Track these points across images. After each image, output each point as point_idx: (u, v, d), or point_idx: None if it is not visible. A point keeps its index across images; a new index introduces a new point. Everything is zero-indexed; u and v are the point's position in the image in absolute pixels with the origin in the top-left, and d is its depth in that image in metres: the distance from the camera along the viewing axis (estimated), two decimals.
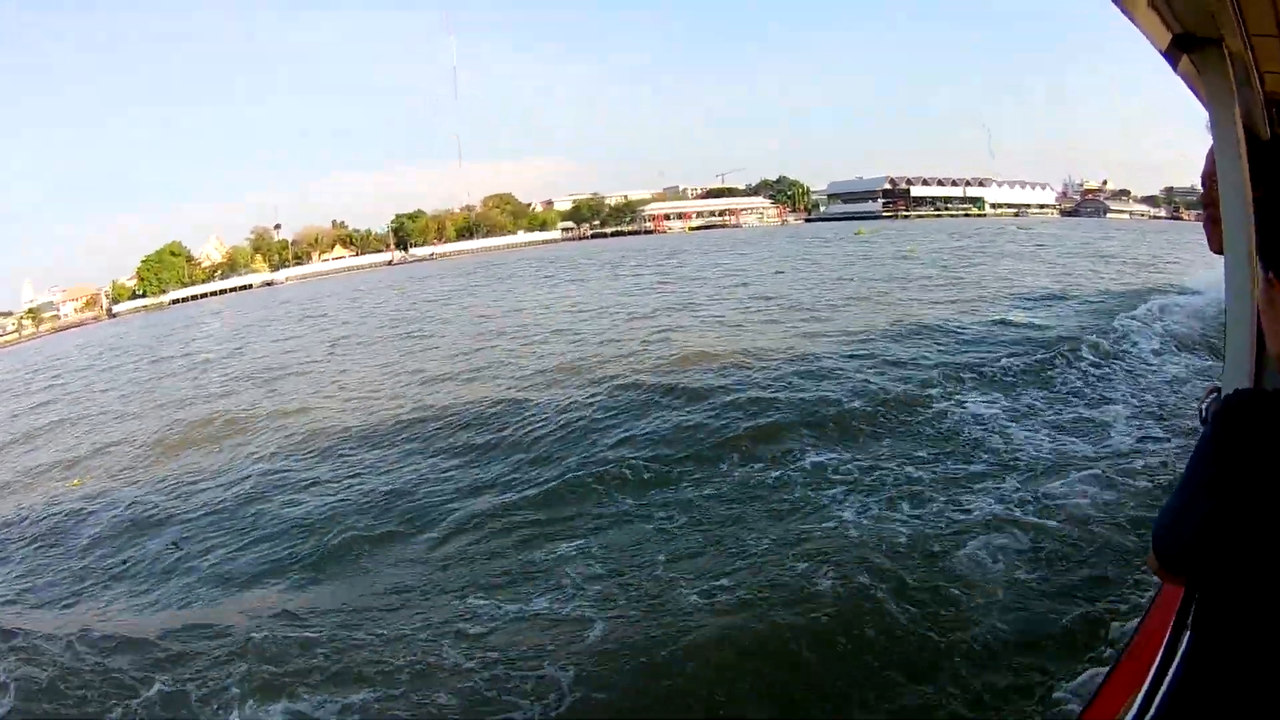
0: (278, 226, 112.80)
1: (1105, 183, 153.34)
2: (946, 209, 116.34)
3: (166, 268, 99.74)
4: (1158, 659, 1.60)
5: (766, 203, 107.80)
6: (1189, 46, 2.03)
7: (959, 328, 13.98)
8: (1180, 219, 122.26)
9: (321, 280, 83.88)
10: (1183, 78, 2.25)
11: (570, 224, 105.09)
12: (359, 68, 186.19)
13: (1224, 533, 0.79)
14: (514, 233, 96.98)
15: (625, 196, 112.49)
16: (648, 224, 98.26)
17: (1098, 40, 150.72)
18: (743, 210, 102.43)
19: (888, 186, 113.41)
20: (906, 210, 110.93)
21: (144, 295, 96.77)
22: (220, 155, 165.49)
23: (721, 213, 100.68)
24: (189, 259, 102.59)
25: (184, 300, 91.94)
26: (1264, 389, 1.11)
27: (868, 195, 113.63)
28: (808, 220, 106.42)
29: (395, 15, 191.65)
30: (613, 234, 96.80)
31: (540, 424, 9.98)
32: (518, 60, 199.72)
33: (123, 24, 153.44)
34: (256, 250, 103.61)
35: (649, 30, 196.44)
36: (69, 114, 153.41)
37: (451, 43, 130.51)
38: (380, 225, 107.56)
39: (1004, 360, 10.99)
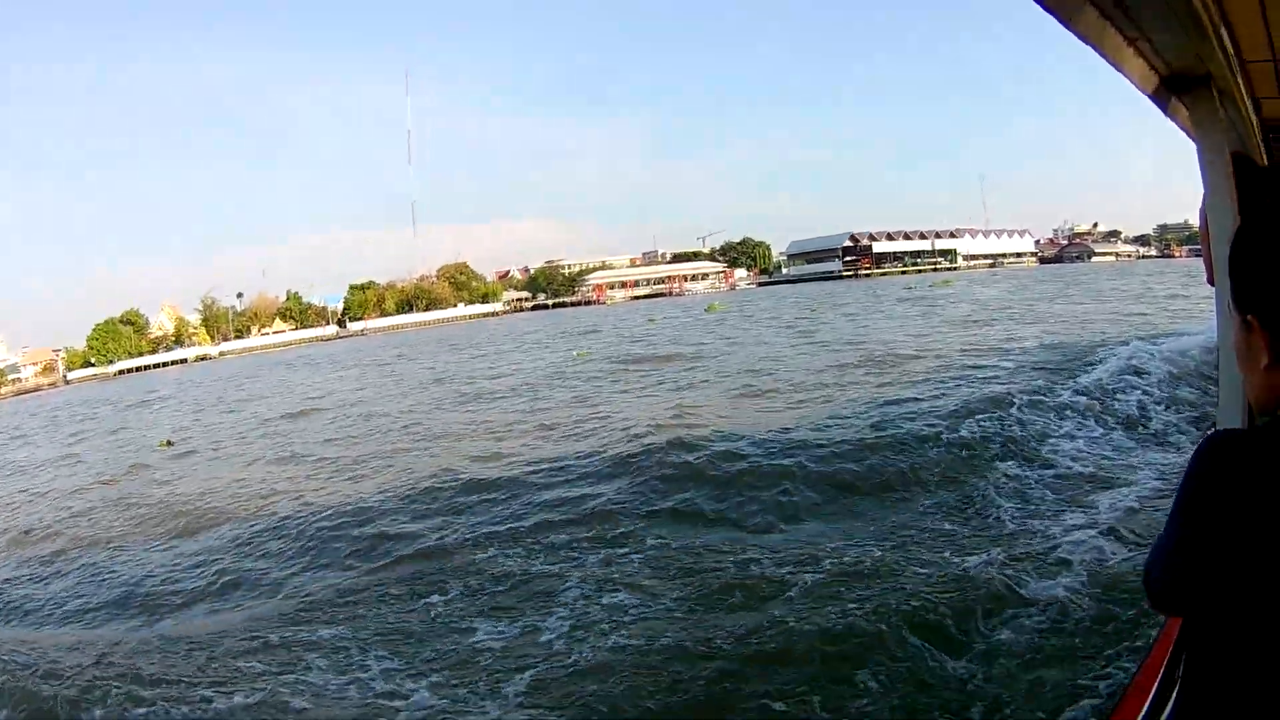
0: (240, 295, 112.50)
1: (1095, 225, 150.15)
2: (914, 265, 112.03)
3: (113, 337, 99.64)
4: (1155, 689, 1.65)
5: (719, 267, 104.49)
6: (1177, 88, 2.08)
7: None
8: (1171, 256, 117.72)
9: (251, 355, 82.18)
10: (1172, 118, 2.29)
11: (525, 294, 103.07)
12: (329, 130, 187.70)
13: (1203, 569, 0.82)
14: (455, 305, 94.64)
15: (604, 261, 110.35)
16: (592, 294, 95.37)
17: (1090, 84, 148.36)
18: (687, 277, 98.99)
19: (848, 244, 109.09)
20: (869, 268, 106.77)
21: (93, 364, 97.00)
22: (187, 219, 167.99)
23: (665, 280, 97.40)
24: (139, 329, 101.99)
25: (129, 371, 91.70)
26: (1241, 430, 1.19)
27: (828, 254, 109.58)
28: (761, 284, 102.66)
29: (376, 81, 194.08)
30: (554, 305, 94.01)
31: None
32: (508, 123, 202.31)
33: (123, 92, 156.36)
34: (205, 321, 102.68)
35: (641, 95, 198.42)
36: (45, 172, 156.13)
37: (407, 103, 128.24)
38: (341, 290, 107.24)
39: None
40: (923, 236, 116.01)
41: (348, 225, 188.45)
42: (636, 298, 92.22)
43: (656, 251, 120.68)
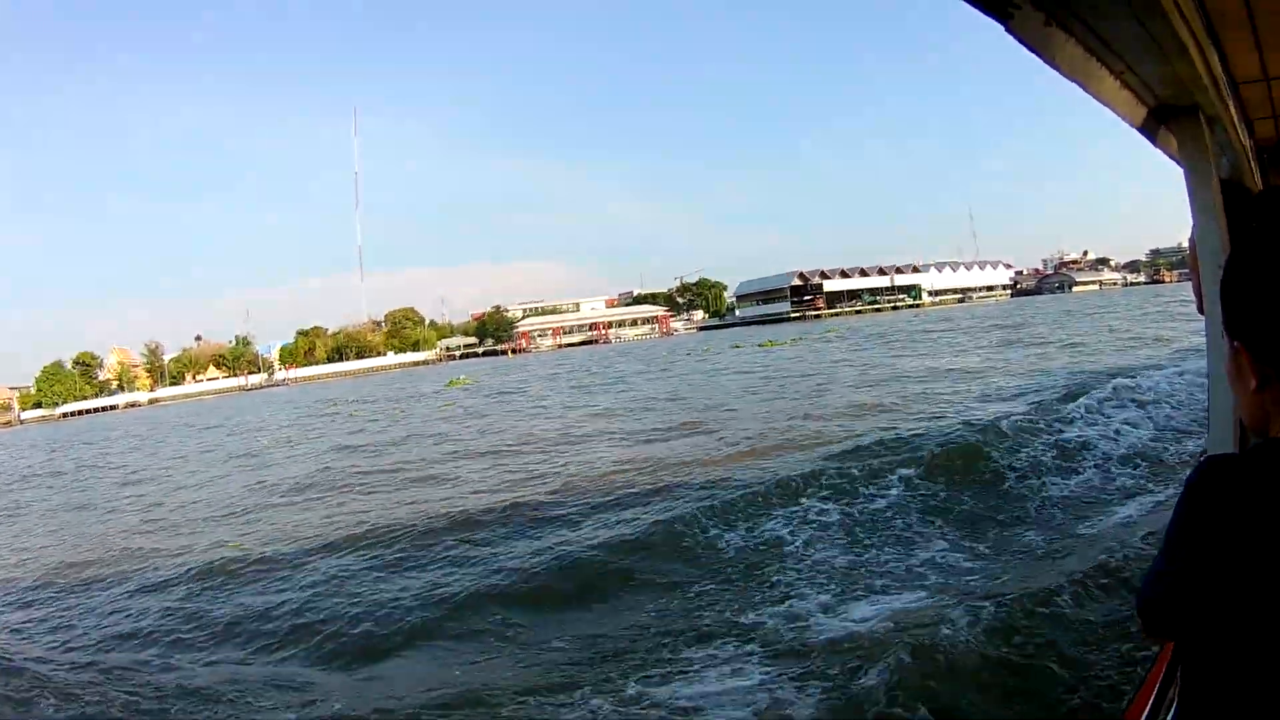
0: (198, 338, 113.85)
1: (1086, 253, 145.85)
2: (873, 303, 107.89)
3: (59, 380, 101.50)
4: (1145, 715, 1.68)
5: (659, 311, 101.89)
6: (1165, 117, 2.09)
7: None
8: (1161, 281, 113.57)
9: (172, 405, 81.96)
10: (1161, 148, 2.30)
11: (473, 340, 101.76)
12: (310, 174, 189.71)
13: (1197, 594, 0.82)
14: (384, 354, 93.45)
15: (577, 303, 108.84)
16: (521, 342, 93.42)
17: (1080, 113, 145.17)
18: (613, 323, 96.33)
19: (796, 283, 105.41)
20: (819, 308, 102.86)
21: (42, 406, 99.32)
22: (173, 261, 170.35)
23: (594, 326, 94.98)
24: (87, 371, 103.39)
25: (74, 414, 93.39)
26: (1232, 454, 1.17)
27: (778, 294, 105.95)
28: (702, 329, 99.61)
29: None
30: (484, 354, 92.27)
31: None
32: (498, 163, 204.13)
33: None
34: (149, 367, 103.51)
35: (634, 137, 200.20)
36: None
37: (355, 144, 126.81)
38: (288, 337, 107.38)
39: None
40: (881, 273, 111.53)
41: (330, 269, 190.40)
42: (567, 345, 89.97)
43: (631, 292, 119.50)
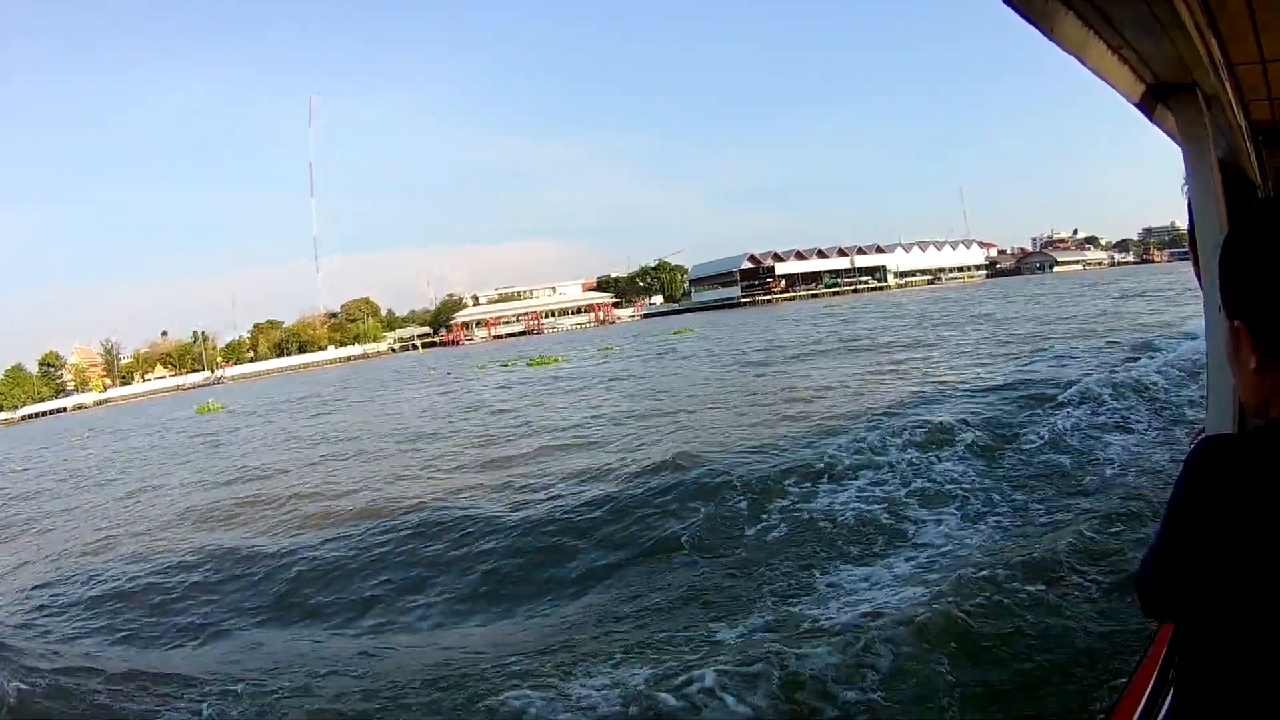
0: (164, 333, 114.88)
1: (1075, 232, 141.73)
2: (834, 285, 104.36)
3: (18, 383, 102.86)
4: (1147, 694, 1.68)
5: (603, 299, 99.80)
6: (1163, 95, 2.09)
7: None
8: (1151, 260, 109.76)
9: (115, 406, 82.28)
10: (1159, 125, 2.31)
11: (427, 330, 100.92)
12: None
13: (1194, 574, 0.82)
14: (324, 348, 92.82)
15: (553, 287, 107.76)
16: (460, 334, 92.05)
17: (1076, 91, 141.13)
18: (552, 312, 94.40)
19: (747, 265, 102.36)
20: (773, 292, 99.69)
21: (3, 409, 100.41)
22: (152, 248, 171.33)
23: (526, 316, 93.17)
24: (47, 371, 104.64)
25: (32, 416, 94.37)
26: (1232, 434, 1.09)
27: (729, 278, 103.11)
28: (647, 315, 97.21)
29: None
30: (424, 347, 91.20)
31: None
32: (488, 143, 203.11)
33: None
34: (106, 366, 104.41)
35: (624, 116, 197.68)
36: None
37: (310, 134, 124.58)
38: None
39: None
40: (841, 253, 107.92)
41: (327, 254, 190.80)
42: (504, 335, 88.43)
43: (609, 275, 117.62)
